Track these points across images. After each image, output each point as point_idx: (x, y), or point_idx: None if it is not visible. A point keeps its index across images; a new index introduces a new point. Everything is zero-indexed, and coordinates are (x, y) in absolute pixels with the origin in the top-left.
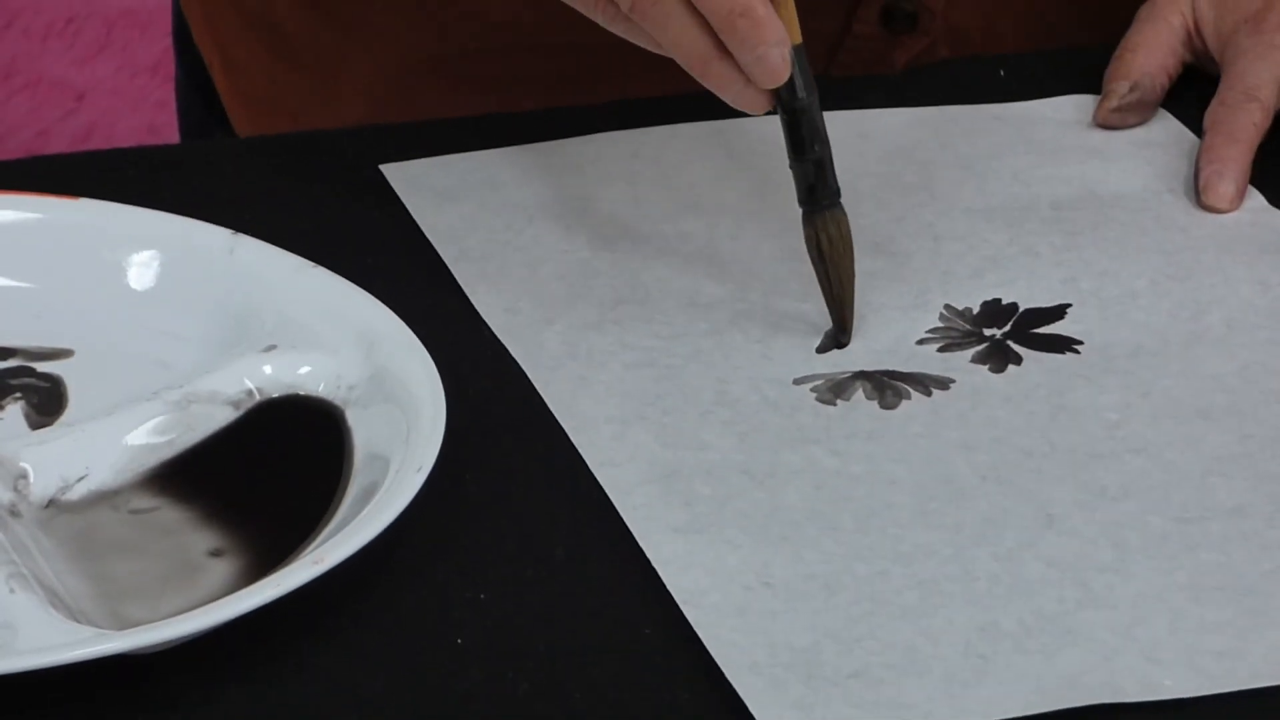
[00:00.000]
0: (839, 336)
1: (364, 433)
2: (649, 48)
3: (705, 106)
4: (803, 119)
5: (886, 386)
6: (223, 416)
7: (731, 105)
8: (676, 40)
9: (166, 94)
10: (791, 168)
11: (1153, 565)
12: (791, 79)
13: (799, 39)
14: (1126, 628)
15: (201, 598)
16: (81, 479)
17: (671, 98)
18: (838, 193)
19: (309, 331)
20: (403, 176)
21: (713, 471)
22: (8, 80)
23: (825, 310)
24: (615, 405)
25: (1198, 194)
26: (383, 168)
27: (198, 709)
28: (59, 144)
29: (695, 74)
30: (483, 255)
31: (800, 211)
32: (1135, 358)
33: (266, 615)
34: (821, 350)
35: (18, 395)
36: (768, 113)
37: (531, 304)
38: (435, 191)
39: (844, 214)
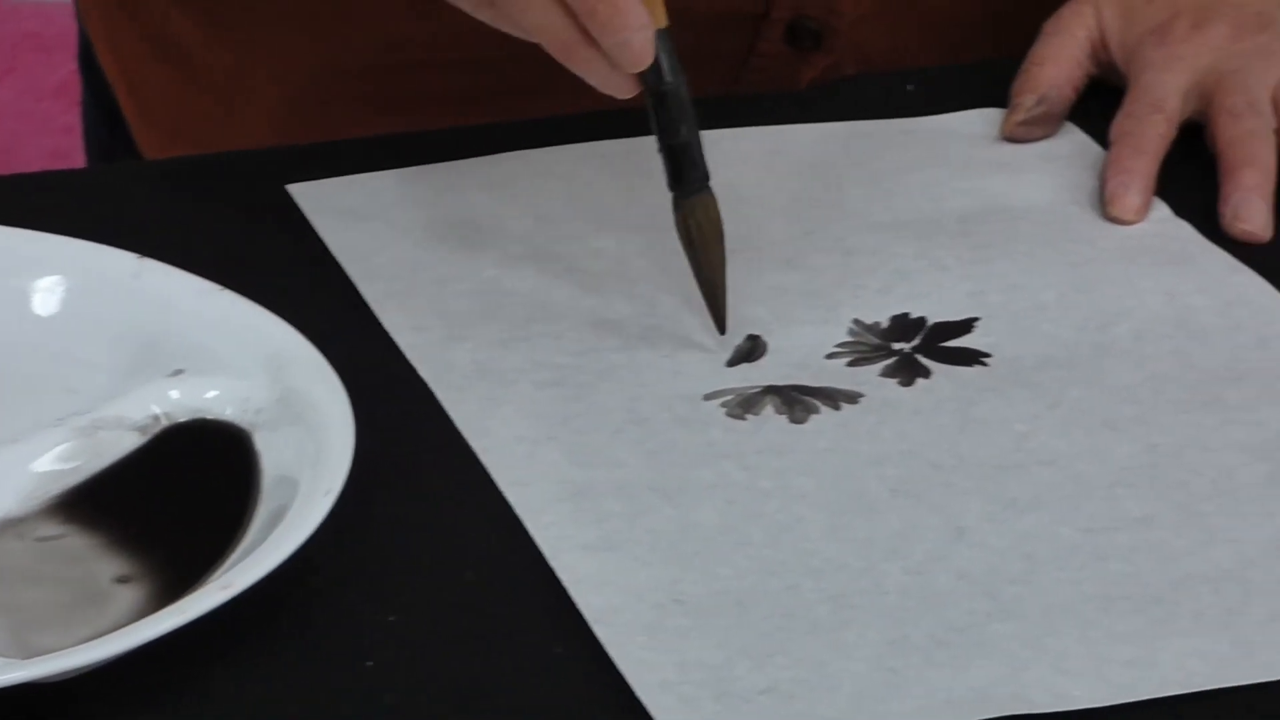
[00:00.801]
0: (714, 320)
1: (272, 456)
2: (515, 34)
3: (614, 124)
4: (669, 102)
5: (796, 401)
6: (129, 442)
7: (598, 89)
8: (539, 26)
9: (72, 118)
10: (660, 152)
11: (1062, 576)
12: (657, 62)
13: (664, 22)
14: (1036, 639)
15: (109, 625)
16: None
17: (580, 115)
18: (706, 177)
19: (216, 355)
20: (310, 197)
21: (623, 489)
22: None
23: (734, 326)
24: (525, 424)
25: (1104, 206)
26: (290, 188)
27: None
28: None
29: (560, 59)
30: (391, 275)
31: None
32: (1043, 370)
33: (175, 641)
34: (731, 364)
35: None
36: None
37: (440, 323)
38: (343, 211)
39: (713, 199)
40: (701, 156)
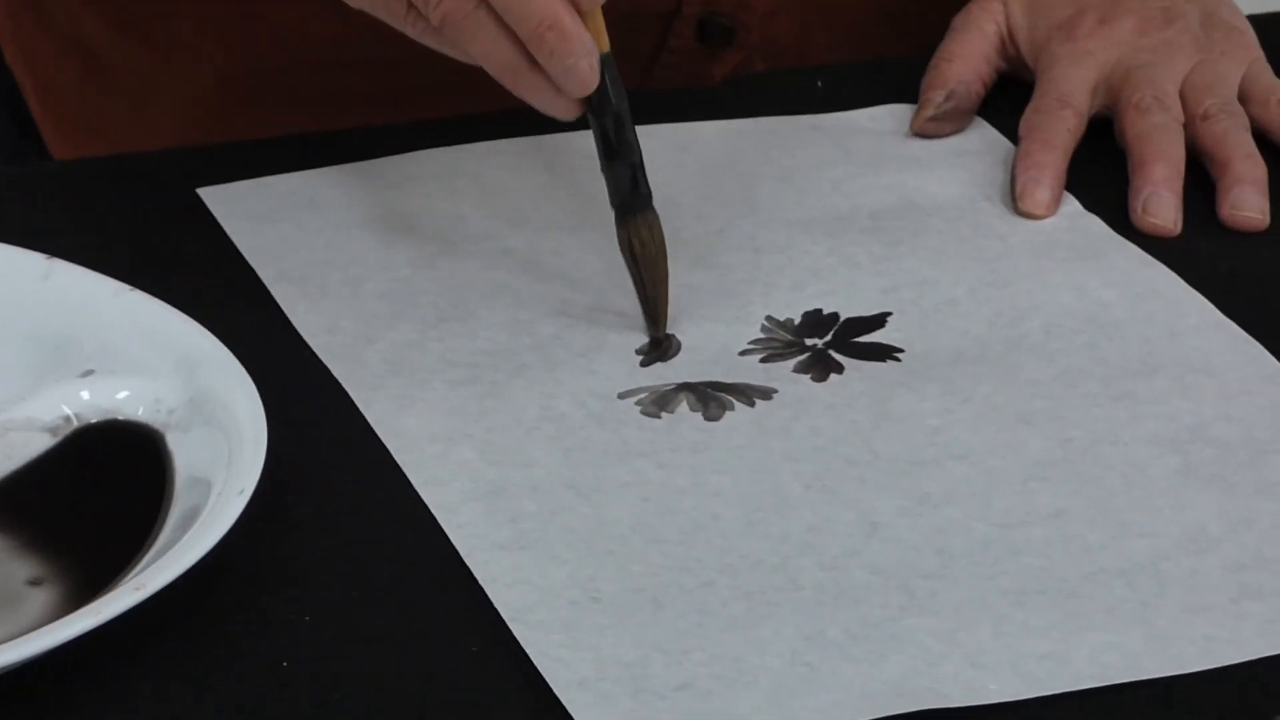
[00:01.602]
0: (654, 337)
1: (185, 457)
2: (459, 58)
3: (523, 123)
4: (613, 125)
5: (710, 398)
6: (40, 444)
7: (542, 113)
8: (486, 53)
9: None
10: (604, 172)
11: (976, 571)
12: (602, 86)
13: (607, 47)
14: (951, 633)
15: (21, 627)
16: None
17: (490, 114)
18: (649, 196)
19: (127, 356)
20: (221, 199)
21: (538, 487)
22: None
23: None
24: (439, 423)
25: (1014, 201)
26: (200, 191)
27: None
28: None
29: (506, 84)
30: (302, 275)
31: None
32: (955, 365)
33: (89, 644)
34: (645, 364)
35: None
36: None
37: (353, 323)
38: (253, 213)
39: (656, 217)
40: (644, 176)
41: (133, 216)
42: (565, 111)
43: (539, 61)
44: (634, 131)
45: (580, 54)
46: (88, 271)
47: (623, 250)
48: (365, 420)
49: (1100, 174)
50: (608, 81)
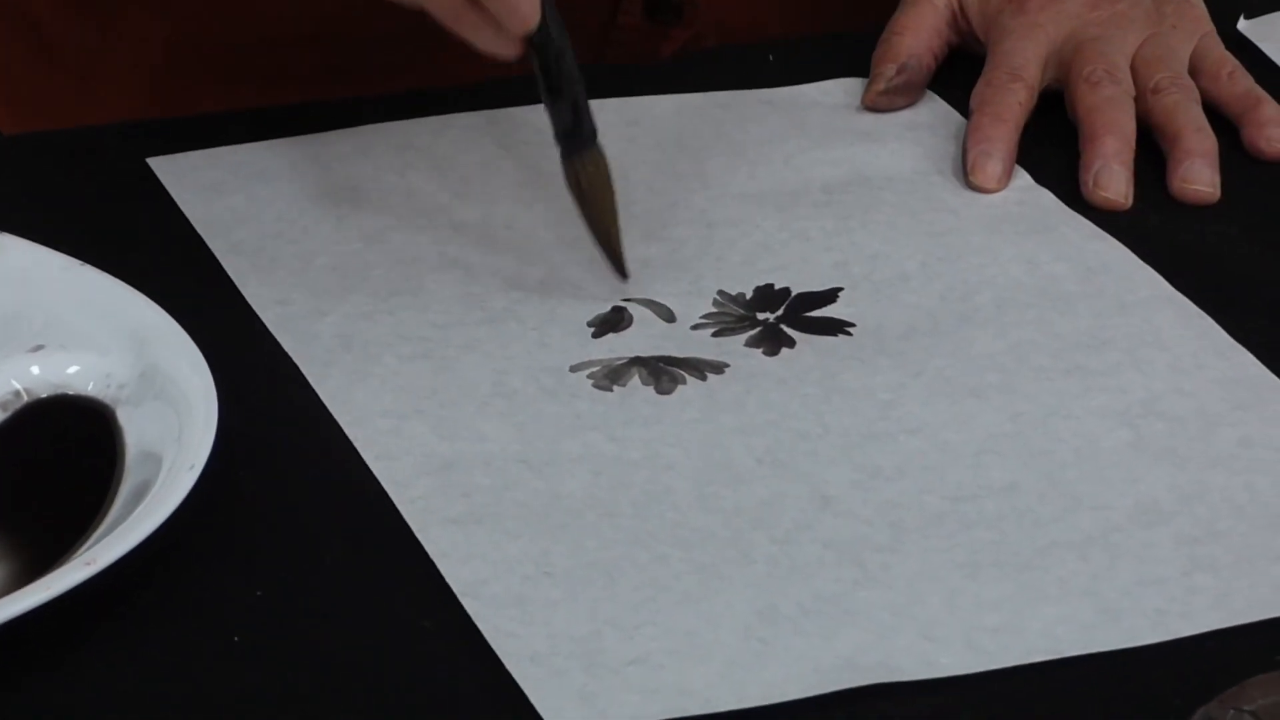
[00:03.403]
0: (615, 269)
1: (135, 431)
2: (403, 3)
3: (475, 97)
4: (555, 62)
5: (662, 372)
6: None
7: (483, 52)
8: None
9: None
10: (546, 109)
11: (928, 544)
12: (542, 23)
13: None
14: (903, 607)
15: None
16: None
17: (441, 89)
18: (594, 133)
19: (77, 331)
20: (171, 170)
21: (491, 462)
22: None
23: (600, 296)
24: (391, 398)
25: (966, 174)
26: (150, 161)
27: None
28: None
29: (446, 24)
30: (254, 248)
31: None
32: (907, 339)
33: (39, 619)
34: (597, 335)
35: None
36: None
37: (304, 296)
38: (204, 185)
39: (602, 153)
40: (589, 113)
41: (82, 190)
42: (507, 49)
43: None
44: (576, 67)
45: None
46: (37, 246)
47: (569, 187)
48: (317, 395)
49: (1051, 147)
50: (549, 18)
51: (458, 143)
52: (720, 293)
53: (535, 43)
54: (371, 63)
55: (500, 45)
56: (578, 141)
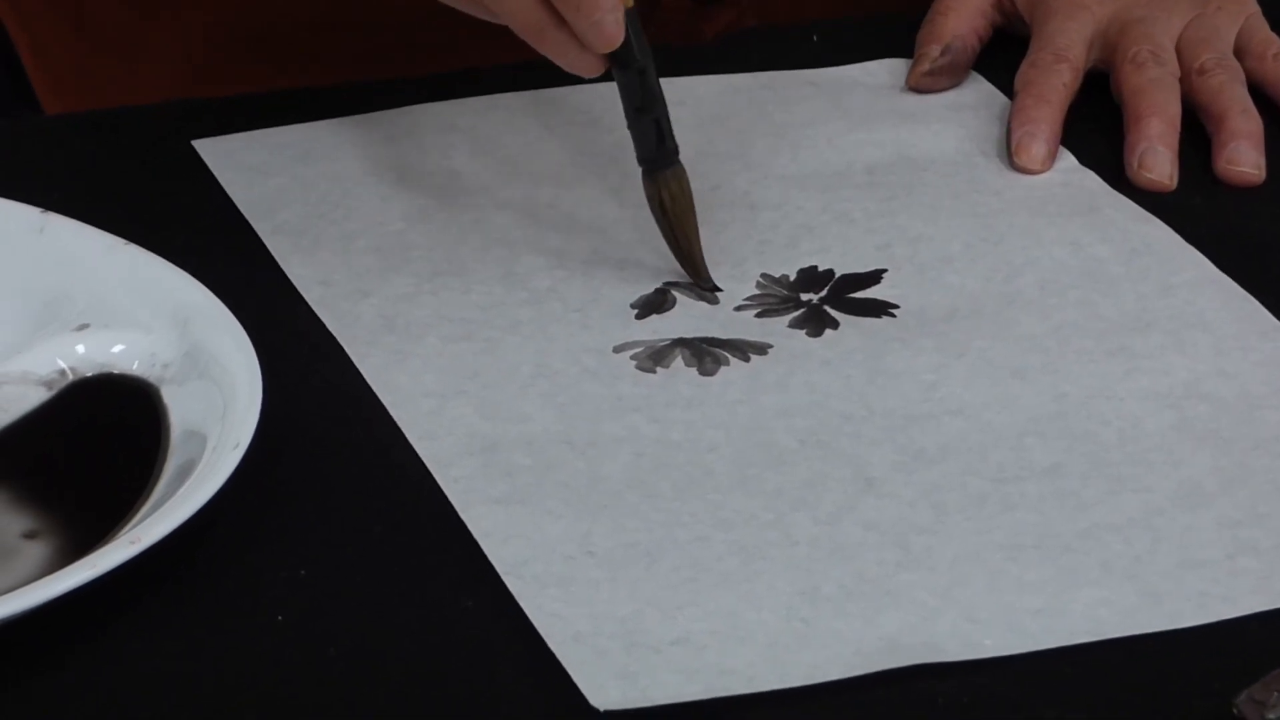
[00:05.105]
0: (700, 285)
1: (180, 410)
2: (484, 18)
3: (519, 77)
4: (640, 81)
5: (705, 353)
6: (35, 397)
7: (567, 70)
8: (512, 11)
9: None
10: (630, 129)
11: (971, 526)
12: (627, 41)
13: (631, 2)
14: (945, 589)
15: (16, 580)
16: None
17: (484, 69)
18: (676, 151)
19: (122, 310)
20: (215, 151)
21: (533, 443)
22: None
23: (643, 277)
24: (433, 379)
25: (1010, 156)
26: (195, 143)
27: (13, 693)
28: None
29: (531, 42)
30: (297, 229)
31: (640, 172)
32: (950, 320)
33: (83, 597)
34: (640, 317)
35: None
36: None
37: (347, 277)
38: (249, 166)
39: (684, 171)
40: (670, 130)
41: (127, 170)
42: (590, 68)
43: (565, 18)
44: (659, 85)
45: (606, 9)
46: (82, 225)
47: (652, 206)
48: (360, 374)
49: (1096, 129)
50: (632, 36)
51: (502, 124)
52: (764, 275)
53: (619, 61)
54: (415, 44)
55: (583, 64)
56: (661, 160)
